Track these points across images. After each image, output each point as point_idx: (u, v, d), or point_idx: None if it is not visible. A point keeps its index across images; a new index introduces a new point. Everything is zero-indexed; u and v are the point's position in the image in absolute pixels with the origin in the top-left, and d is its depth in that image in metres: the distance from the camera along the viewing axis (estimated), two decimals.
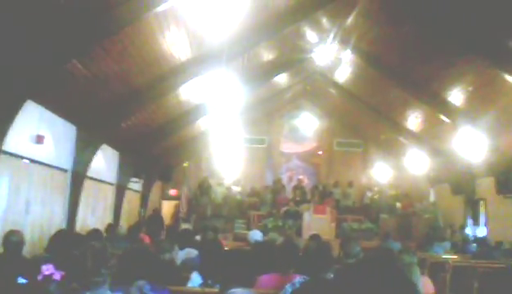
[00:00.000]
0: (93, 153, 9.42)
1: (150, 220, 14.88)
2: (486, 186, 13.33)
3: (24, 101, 6.50)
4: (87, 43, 6.55)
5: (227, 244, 8.98)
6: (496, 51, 8.39)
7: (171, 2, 6.64)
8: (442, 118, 11.92)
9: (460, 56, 9.40)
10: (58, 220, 8.57)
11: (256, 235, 7.39)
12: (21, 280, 3.60)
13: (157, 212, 15.95)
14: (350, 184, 17.92)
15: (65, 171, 8.83)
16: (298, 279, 3.98)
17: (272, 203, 16.69)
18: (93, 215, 10.50)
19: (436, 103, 11.63)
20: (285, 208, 15.55)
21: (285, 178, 18.56)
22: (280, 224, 14.11)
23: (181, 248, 6.63)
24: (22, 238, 5.05)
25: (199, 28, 8.09)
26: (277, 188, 17.48)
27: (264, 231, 12.55)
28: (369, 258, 1.89)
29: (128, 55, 7.73)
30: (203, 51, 9.08)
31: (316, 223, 13.68)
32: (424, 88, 11.48)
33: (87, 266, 3.05)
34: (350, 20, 10.67)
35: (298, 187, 17.49)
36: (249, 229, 13.50)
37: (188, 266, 5.24)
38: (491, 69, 9.01)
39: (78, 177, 9.07)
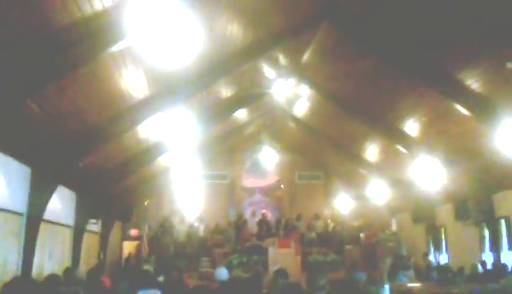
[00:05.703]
0: (49, 195, 9.08)
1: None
2: (445, 213, 13.63)
3: None
4: (42, 82, 6.40)
5: (192, 283, 8.76)
6: (446, 83, 8.73)
7: (127, 41, 6.62)
8: (400, 148, 12.19)
9: (413, 89, 9.73)
10: (13, 267, 8.16)
11: (222, 273, 7.26)
12: None
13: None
14: (316, 217, 17.89)
15: (20, 214, 8.46)
16: None
17: (236, 240, 16.51)
18: (50, 259, 10.07)
19: (393, 134, 11.92)
20: (248, 244, 15.41)
21: (248, 213, 18.45)
22: (245, 260, 13.95)
23: (144, 289, 6.43)
24: None
25: (156, 67, 8.05)
26: (239, 224, 17.33)
27: (229, 268, 12.37)
28: None
29: (84, 94, 7.61)
30: (161, 88, 9.04)
31: (282, 257, 13.60)
32: (380, 120, 11.77)
33: None
34: (306, 56, 10.91)
35: (263, 221, 17.39)
36: (213, 267, 13.28)
37: None
38: (443, 100, 9.32)
39: (33, 221, 8.67)
